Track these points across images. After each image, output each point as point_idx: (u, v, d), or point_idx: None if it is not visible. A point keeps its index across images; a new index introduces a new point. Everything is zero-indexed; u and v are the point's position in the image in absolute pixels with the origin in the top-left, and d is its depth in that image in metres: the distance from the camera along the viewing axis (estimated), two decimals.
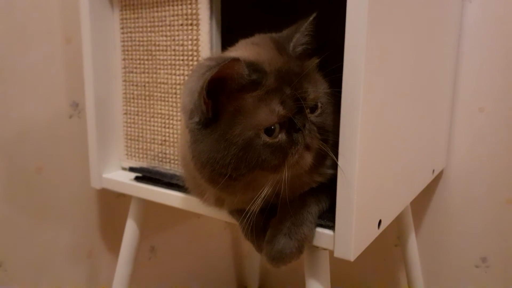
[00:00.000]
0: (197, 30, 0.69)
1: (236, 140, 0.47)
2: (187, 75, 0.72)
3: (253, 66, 0.48)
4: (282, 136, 0.49)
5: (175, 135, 0.77)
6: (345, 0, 0.47)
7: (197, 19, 0.69)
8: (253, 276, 1.43)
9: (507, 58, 0.93)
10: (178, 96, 0.74)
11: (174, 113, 0.76)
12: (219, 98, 0.48)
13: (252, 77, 0.48)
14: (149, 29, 0.76)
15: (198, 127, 0.49)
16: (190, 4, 0.69)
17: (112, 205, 1.04)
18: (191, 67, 0.71)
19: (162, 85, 0.76)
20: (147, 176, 0.79)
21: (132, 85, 0.81)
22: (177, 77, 0.74)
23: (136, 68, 0.80)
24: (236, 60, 0.45)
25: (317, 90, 0.52)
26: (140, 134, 0.82)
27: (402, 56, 0.62)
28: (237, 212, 0.61)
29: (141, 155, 0.83)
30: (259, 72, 0.48)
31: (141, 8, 0.76)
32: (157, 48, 0.75)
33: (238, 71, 0.46)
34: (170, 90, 0.75)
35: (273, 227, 0.56)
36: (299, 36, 0.53)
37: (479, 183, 1.00)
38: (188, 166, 0.58)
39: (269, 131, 0.48)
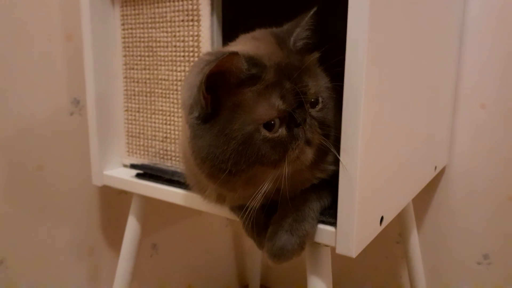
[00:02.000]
0: (198, 26, 0.69)
1: (235, 135, 0.47)
2: (189, 71, 0.72)
3: (252, 60, 0.48)
4: (282, 131, 0.49)
5: (176, 132, 0.76)
6: None
7: (198, 15, 0.69)
8: (255, 273, 1.43)
9: (509, 54, 0.93)
10: (179, 92, 0.74)
11: (175, 110, 0.76)
12: (218, 93, 0.48)
13: (252, 71, 0.47)
14: (150, 25, 0.76)
15: (197, 122, 0.49)
16: (191, 0, 0.69)
17: (113, 202, 1.04)
18: (192, 63, 0.71)
19: (163, 82, 0.76)
20: (148, 173, 0.79)
21: (133, 81, 0.81)
22: (178, 74, 0.74)
23: (137, 64, 0.80)
24: (234, 54, 0.45)
25: (318, 84, 0.52)
26: (141, 131, 0.82)
27: (404, 52, 0.61)
28: (239, 209, 0.60)
29: (142, 152, 0.83)
30: (258, 66, 0.48)
31: (142, 5, 0.76)
32: (158, 44, 0.75)
33: (236, 65, 0.46)
34: (171, 87, 0.75)
35: (274, 223, 0.56)
36: (299, 30, 0.53)
37: (481, 180, 1.00)
38: (189, 162, 0.58)
39: (269, 126, 0.48)
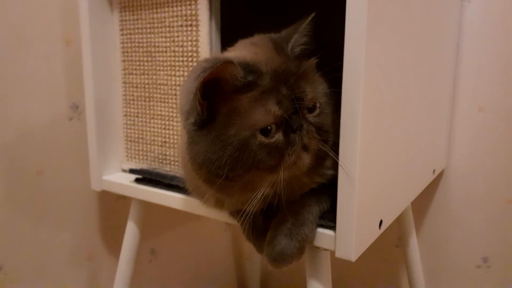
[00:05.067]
0: (197, 31, 0.69)
1: (231, 140, 0.47)
2: (186, 76, 0.72)
3: (248, 68, 0.48)
4: (278, 137, 0.49)
5: (175, 137, 0.76)
6: (344, 0, 0.47)
7: (197, 20, 0.69)
8: (254, 277, 1.42)
9: (507, 57, 0.93)
10: (178, 97, 0.74)
11: (174, 115, 0.76)
12: (215, 99, 0.48)
13: (248, 78, 0.48)
14: (148, 30, 0.76)
15: (194, 128, 0.50)
16: (190, 5, 0.69)
17: (112, 207, 1.03)
18: (190, 68, 0.71)
19: (162, 87, 0.76)
20: (147, 177, 0.79)
21: (132, 86, 0.81)
22: (177, 78, 0.74)
23: (135, 69, 0.80)
24: (229, 62, 0.45)
25: (315, 90, 0.52)
26: (140, 136, 0.82)
27: (402, 56, 0.62)
28: (238, 213, 0.60)
29: (141, 157, 0.83)
30: (254, 73, 0.48)
31: (141, 10, 0.76)
32: (157, 49, 0.75)
33: (231, 73, 0.46)
34: (170, 92, 0.75)
35: (273, 227, 0.56)
36: (297, 36, 0.53)
37: (479, 183, 1.00)
38: (187, 167, 0.58)
39: (265, 132, 0.48)
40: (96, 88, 0.80)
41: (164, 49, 0.74)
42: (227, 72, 0.46)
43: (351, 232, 0.52)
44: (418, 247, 1.04)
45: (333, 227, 0.54)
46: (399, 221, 1.00)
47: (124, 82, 0.82)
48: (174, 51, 0.73)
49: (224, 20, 0.70)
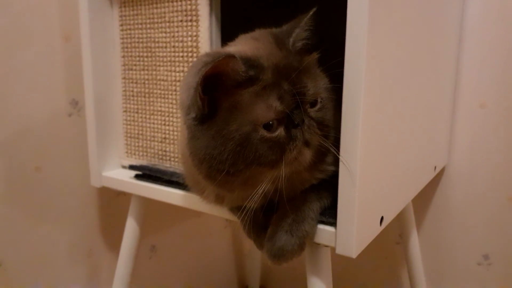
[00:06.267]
0: (197, 26, 0.69)
1: (233, 135, 0.47)
2: (187, 71, 0.71)
3: (249, 62, 0.48)
4: (280, 132, 0.48)
5: (175, 133, 0.76)
6: None
7: (197, 15, 0.69)
8: (254, 274, 1.43)
9: (508, 54, 0.93)
10: (178, 93, 0.74)
11: (174, 110, 0.75)
12: (216, 93, 0.48)
13: (249, 73, 0.47)
14: (148, 26, 0.76)
15: (194, 123, 0.49)
16: (190, 0, 0.69)
17: (112, 203, 1.03)
18: (190, 64, 0.71)
19: (162, 82, 0.76)
20: (147, 174, 0.79)
21: (132, 82, 0.81)
22: (177, 74, 0.73)
23: (135, 65, 0.79)
24: (230, 56, 0.45)
25: (316, 85, 0.52)
26: (140, 132, 0.81)
27: (403, 52, 0.61)
28: (238, 209, 0.60)
29: (141, 153, 0.82)
30: (256, 68, 0.48)
31: (140, 5, 0.76)
32: (157, 45, 0.75)
33: (233, 68, 0.46)
34: (170, 87, 0.75)
35: (274, 224, 0.56)
36: (298, 31, 0.53)
37: (481, 180, 0.99)
38: (187, 163, 0.58)
39: (266, 126, 0.48)
40: (95, 84, 0.79)
41: (164, 44, 0.74)
42: (228, 67, 0.46)
43: (352, 229, 0.51)
44: (419, 244, 1.04)
45: (333, 224, 0.54)
46: (400, 218, 1.00)
47: (124, 78, 0.82)
48: (174, 47, 0.73)
49: (225, 15, 0.70)
